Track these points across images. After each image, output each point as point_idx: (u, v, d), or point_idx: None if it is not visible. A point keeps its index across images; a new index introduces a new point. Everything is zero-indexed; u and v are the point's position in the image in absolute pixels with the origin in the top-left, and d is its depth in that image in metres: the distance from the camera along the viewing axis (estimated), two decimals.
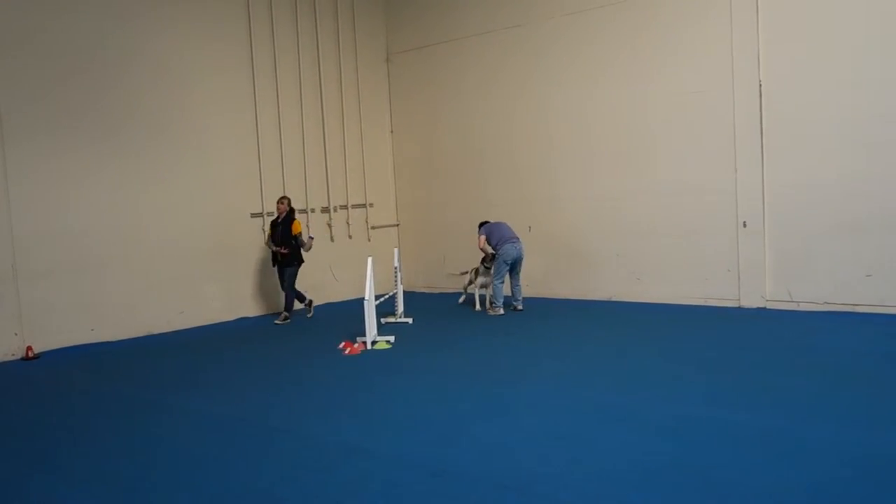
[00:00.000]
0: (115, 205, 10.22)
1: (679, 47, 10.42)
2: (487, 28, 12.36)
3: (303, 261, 11.04)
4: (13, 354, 9.28)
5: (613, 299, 11.26)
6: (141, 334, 10.39)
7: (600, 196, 11.34)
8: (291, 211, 11.01)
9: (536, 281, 11.89)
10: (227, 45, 11.57)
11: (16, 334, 9.32)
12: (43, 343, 9.47)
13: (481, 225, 11.00)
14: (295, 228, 10.86)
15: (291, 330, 10.50)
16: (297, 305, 11.17)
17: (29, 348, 9.30)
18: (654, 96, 10.68)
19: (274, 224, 11.02)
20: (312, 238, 11.24)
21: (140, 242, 10.46)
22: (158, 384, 7.71)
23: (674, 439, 5.16)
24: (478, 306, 10.93)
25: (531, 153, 12.06)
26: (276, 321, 10.87)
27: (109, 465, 5.32)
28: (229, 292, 11.51)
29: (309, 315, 11.19)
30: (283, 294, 11.12)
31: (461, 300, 11.44)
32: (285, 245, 10.79)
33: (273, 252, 10.98)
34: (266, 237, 11.18)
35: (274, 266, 11.11)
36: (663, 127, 10.64)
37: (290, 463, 5.14)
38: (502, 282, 10.63)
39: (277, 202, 11.04)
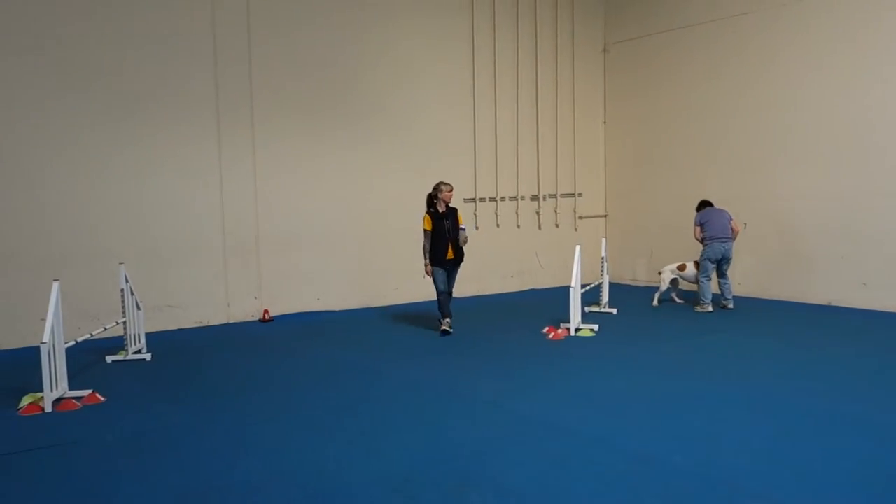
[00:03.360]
0: (343, 188, 11.06)
1: None
2: (712, 16, 11.86)
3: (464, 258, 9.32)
4: (252, 316, 10.41)
5: (833, 304, 10.46)
6: (360, 306, 11.21)
7: (825, 195, 10.55)
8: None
9: (749, 280, 11.35)
10: (451, 38, 12.08)
11: (255, 298, 10.44)
12: (277, 308, 10.52)
13: (700, 207, 10.68)
14: (461, 219, 9.23)
15: (496, 311, 10.81)
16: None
17: (265, 311, 10.38)
18: (891, 91, 9.75)
19: (439, 217, 9.00)
20: (464, 229, 9.24)
21: (363, 223, 11.24)
22: (374, 352, 8.31)
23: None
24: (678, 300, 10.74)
25: (751, 148, 11.46)
26: (443, 326, 9.15)
27: (331, 418, 5.86)
28: None
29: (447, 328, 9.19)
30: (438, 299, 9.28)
31: (655, 303, 10.93)
32: (455, 242, 9.03)
33: (444, 251, 8.96)
34: (426, 238, 8.98)
35: (443, 268, 9.03)
36: None
37: (496, 432, 5.39)
38: (708, 278, 10.29)
39: (446, 190, 9.03)
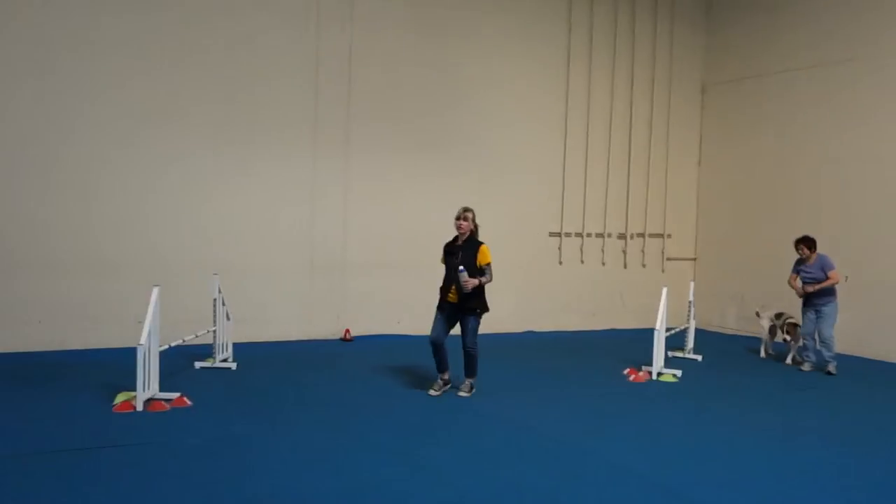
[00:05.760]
0: (431, 215, 11.17)
1: None
2: (816, 61, 11.51)
3: (488, 308, 7.52)
4: (333, 334, 10.61)
5: None
6: None
7: None
8: (474, 229, 7.46)
9: (850, 337, 10.79)
10: (546, 69, 12.13)
11: (338, 317, 10.64)
12: (358, 328, 10.69)
13: (811, 244, 9.45)
14: (483, 257, 7.27)
15: (576, 349, 10.66)
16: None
17: (346, 331, 10.57)
18: None
19: (451, 250, 7.43)
20: (463, 271, 7.18)
21: None
22: (453, 381, 8.31)
23: None
24: (789, 360, 9.98)
25: (853, 197, 10.99)
26: (461, 392, 7.55)
27: (402, 443, 5.91)
28: (520, 305, 12.01)
29: (465, 394, 7.53)
30: (459, 355, 7.61)
31: (763, 354, 10.36)
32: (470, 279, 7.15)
33: (446, 292, 7.40)
34: (448, 275, 7.43)
35: (441, 311, 7.45)
36: None
37: (569, 474, 5.31)
38: None
39: (461, 217, 7.32)
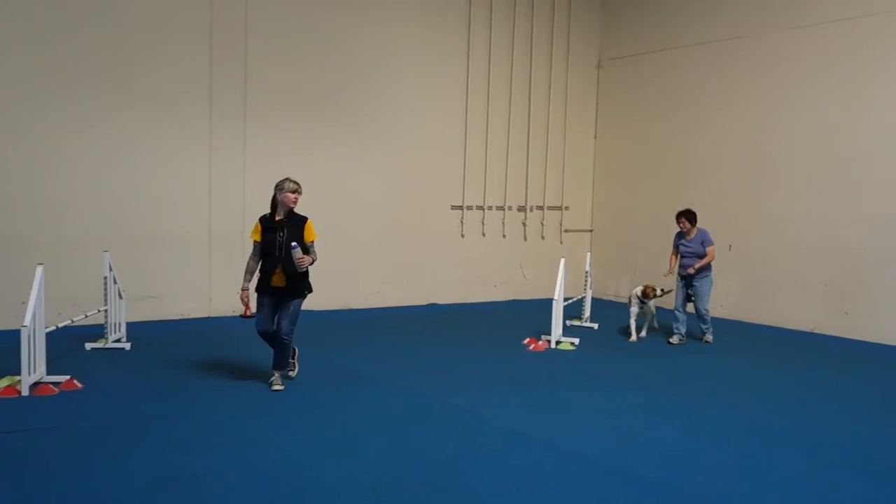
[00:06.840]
0: (329, 187, 11.04)
1: None
2: (707, 38, 12.01)
3: (312, 288, 6.84)
4: (233, 311, 10.38)
5: (815, 331, 10.58)
6: (341, 307, 11.21)
7: (812, 219, 10.68)
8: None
9: (731, 302, 11.45)
10: (447, 47, 12.14)
11: (237, 293, 10.38)
12: None
13: (692, 218, 9.46)
14: (310, 234, 6.64)
15: (478, 320, 10.84)
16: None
17: (247, 307, 10.31)
18: (882, 120, 9.91)
19: (272, 225, 6.54)
20: (295, 247, 6.42)
21: (347, 224, 11.23)
22: (354, 354, 8.32)
23: (867, 479, 4.88)
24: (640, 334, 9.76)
25: (741, 170, 11.59)
26: (275, 385, 6.60)
27: (307, 417, 5.89)
28: (423, 278, 12.10)
29: (292, 373, 6.98)
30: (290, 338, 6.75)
31: (634, 338, 9.57)
32: (287, 263, 6.46)
33: (269, 275, 6.51)
34: (253, 253, 6.66)
35: (266, 297, 6.60)
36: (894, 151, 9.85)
37: (471, 441, 5.42)
38: None
39: (289, 189, 6.52)
